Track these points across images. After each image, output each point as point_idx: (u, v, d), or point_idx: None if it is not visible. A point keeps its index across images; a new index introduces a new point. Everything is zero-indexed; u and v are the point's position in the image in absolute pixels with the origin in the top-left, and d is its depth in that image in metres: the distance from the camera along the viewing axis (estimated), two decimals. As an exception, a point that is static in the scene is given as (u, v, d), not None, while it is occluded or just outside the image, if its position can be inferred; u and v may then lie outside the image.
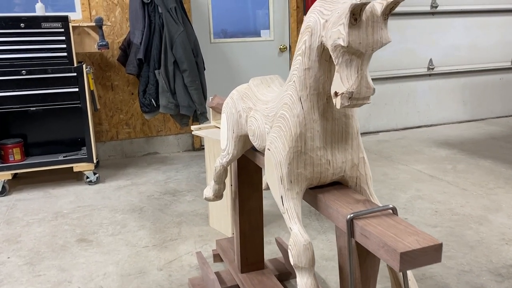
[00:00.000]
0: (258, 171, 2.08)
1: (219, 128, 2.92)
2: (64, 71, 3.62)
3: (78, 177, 4.01)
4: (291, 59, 4.94)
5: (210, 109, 2.94)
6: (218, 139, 2.68)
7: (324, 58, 1.21)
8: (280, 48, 4.98)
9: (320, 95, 1.26)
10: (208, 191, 2.07)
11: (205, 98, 4.05)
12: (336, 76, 1.08)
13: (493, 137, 4.97)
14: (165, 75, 3.87)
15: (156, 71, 3.88)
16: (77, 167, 3.80)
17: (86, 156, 3.80)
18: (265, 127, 1.49)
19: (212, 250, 2.54)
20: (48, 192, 3.69)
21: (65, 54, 3.60)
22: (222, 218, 2.82)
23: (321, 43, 1.17)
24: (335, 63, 1.08)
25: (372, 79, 5.17)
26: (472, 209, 3.11)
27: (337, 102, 1.08)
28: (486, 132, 5.21)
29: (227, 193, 2.74)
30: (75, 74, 3.65)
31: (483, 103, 5.80)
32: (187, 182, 3.80)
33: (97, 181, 3.84)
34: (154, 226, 2.97)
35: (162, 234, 2.86)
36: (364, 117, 5.27)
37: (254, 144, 1.59)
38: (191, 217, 3.10)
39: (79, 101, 3.70)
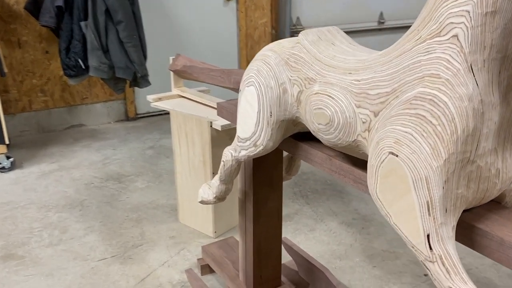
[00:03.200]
0: (278, 165, 1.53)
1: (186, 97, 2.27)
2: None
3: (-17, 163, 3.10)
4: (238, 9, 4.28)
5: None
6: (192, 113, 2.05)
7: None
8: (223, -3, 4.29)
9: (508, 60, 0.73)
10: (207, 193, 1.49)
11: (145, 57, 3.29)
12: None
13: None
14: (94, 28, 3.04)
15: (82, 23, 3.02)
16: (-18, 150, 2.91)
17: (-7, 135, 2.91)
18: (355, 112, 0.93)
19: (198, 259, 1.97)
20: None
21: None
22: (199, 213, 2.23)
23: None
24: None
25: (324, 34, 4.72)
26: None
27: None
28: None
29: (205, 179, 2.14)
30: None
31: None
32: (131, 163, 3.09)
33: (11, 167, 2.98)
34: (105, 228, 2.29)
35: (120, 238, 2.20)
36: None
37: (325, 137, 1.03)
38: (152, 211, 2.46)
39: (-22, 64, 2.76)
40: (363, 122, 0.92)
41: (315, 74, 1.04)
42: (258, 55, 1.22)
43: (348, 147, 0.99)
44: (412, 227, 0.80)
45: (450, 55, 0.75)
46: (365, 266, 1.98)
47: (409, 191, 0.79)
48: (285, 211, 2.43)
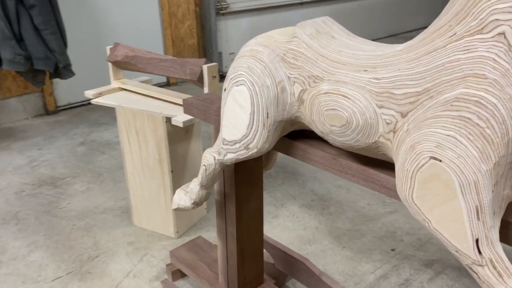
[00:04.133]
0: (258, 161, 1.45)
1: (129, 90, 2.08)
2: None
3: None
4: (158, -13, 4.02)
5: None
6: (144, 109, 1.88)
7: None
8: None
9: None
10: (184, 199, 1.38)
11: (65, 44, 2.97)
12: None
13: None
14: (3, 15, 2.66)
15: (-12, 10, 2.63)
16: None
17: None
18: (376, 112, 0.88)
19: (167, 265, 1.84)
20: None
21: None
22: (157, 213, 2.09)
23: None
24: None
25: (248, 11, 4.63)
26: None
27: None
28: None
29: (163, 178, 2.00)
30: None
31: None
32: (63, 164, 2.81)
33: None
34: (51, 241, 2.07)
35: (71, 251, 2.00)
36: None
37: (339, 139, 0.97)
38: (101, 215, 2.26)
39: None
40: (387, 123, 0.87)
41: (321, 71, 0.97)
42: (246, 51, 1.12)
43: (366, 148, 0.94)
44: (458, 232, 0.78)
45: (496, 54, 0.71)
46: (335, 248, 2.00)
47: (455, 197, 0.76)
48: (244, 200, 2.37)
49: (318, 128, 1.01)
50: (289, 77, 1.04)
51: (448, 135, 0.75)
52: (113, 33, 3.79)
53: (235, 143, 1.15)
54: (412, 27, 6.86)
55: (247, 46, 1.12)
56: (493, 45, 0.72)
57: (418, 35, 0.86)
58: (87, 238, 2.08)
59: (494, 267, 0.75)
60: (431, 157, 0.77)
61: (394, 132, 0.87)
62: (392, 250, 1.98)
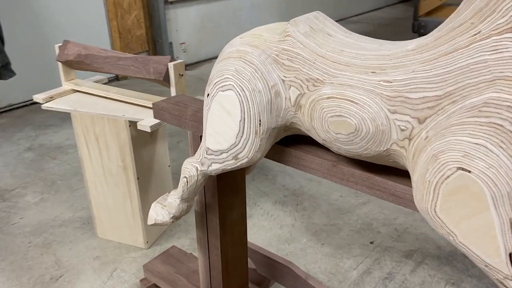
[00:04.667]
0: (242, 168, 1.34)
1: (84, 92, 1.90)
2: None
3: None
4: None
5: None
6: (104, 113, 1.72)
7: None
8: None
9: None
10: (161, 214, 1.27)
11: (2, 41, 2.69)
12: None
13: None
14: None
15: None
16: None
17: None
18: (388, 118, 0.80)
19: (141, 280, 1.71)
20: None
21: None
22: (123, 223, 1.94)
23: None
24: None
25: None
26: None
27: None
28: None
29: (129, 186, 1.85)
30: None
31: (296, 16, 5.75)
32: (10, 173, 2.57)
33: None
34: (6, 263, 1.87)
35: (31, 272, 1.82)
36: (194, 44, 4.57)
37: (344, 147, 0.89)
38: (60, 229, 2.08)
39: None
40: (402, 130, 0.80)
41: (321, 74, 0.88)
42: (231, 52, 1.00)
43: (375, 156, 0.87)
44: (488, 246, 0.72)
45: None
46: (314, 245, 1.95)
47: (486, 209, 0.70)
48: (214, 201, 2.26)
49: (320, 135, 0.92)
50: (283, 80, 0.94)
51: (477, 144, 0.69)
52: (55, 27, 3.51)
53: (222, 153, 1.05)
54: (359, 10, 6.94)
55: (232, 46, 1.01)
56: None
57: (431, 34, 0.79)
58: (47, 256, 1.90)
59: (531, 282, 0.71)
60: (459, 168, 0.71)
61: (410, 140, 0.80)
62: (371, 243, 1.96)
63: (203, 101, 1.39)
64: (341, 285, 1.74)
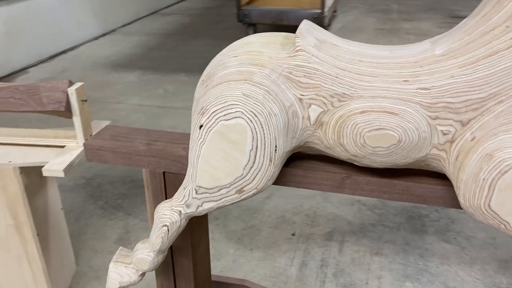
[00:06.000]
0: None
1: None
2: None
3: None
4: None
5: None
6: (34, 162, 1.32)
7: None
8: None
9: None
10: (127, 274, 1.09)
11: None
12: None
13: (149, 48, 4.76)
14: None
15: None
16: None
17: None
18: (430, 125, 0.81)
19: None
20: None
21: None
22: (17, 283, 1.54)
23: None
24: None
25: (-2, -1, 3.75)
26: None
27: None
28: (136, 44, 4.90)
29: (25, 247, 1.48)
30: None
31: (111, 12, 5.33)
32: None
33: None
34: None
35: None
36: (1, 53, 3.85)
37: (380, 159, 0.86)
38: None
39: None
40: (444, 134, 0.81)
41: (347, 88, 0.83)
42: (229, 74, 0.86)
43: (412, 163, 0.87)
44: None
45: None
46: (243, 254, 1.89)
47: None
48: (114, 235, 1.99)
49: (350, 151, 0.87)
50: (300, 99, 0.85)
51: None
52: None
53: (220, 189, 0.92)
54: (169, 2, 6.86)
55: (227, 67, 0.87)
56: None
57: (458, 39, 0.81)
58: None
59: None
60: (520, 175, 0.76)
61: (452, 142, 0.82)
62: (293, 235, 1.99)
63: (146, 130, 1.18)
64: (287, 285, 1.73)
